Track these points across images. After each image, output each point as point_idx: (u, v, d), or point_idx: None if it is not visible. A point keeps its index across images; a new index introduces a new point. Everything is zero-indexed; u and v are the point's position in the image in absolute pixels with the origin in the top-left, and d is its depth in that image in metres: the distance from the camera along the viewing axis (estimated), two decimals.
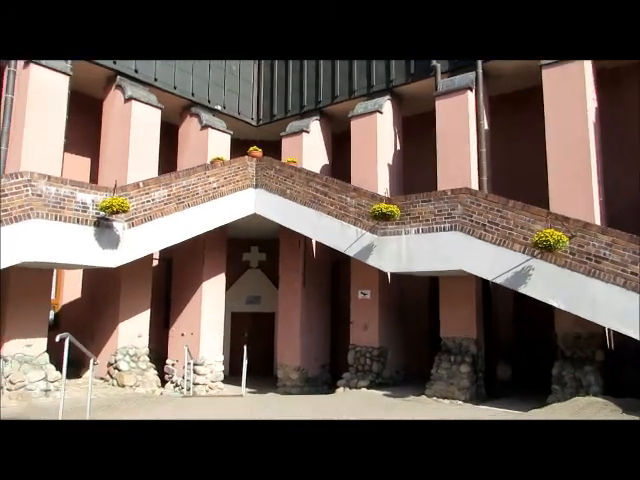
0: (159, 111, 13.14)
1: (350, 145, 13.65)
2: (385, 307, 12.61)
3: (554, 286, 8.43)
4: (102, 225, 9.60)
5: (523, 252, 8.74)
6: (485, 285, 11.28)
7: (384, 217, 9.85)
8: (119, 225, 9.85)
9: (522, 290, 8.72)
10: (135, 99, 12.49)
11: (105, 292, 12.15)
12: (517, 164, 12.54)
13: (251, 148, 13.07)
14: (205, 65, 14.81)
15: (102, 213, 9.49)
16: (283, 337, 14.08)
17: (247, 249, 17.24)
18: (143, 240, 10.28)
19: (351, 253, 10.88)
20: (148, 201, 10.46)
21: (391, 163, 13.33)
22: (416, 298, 14.02)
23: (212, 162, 12.34)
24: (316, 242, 14.41)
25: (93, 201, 9.47)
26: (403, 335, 13.29)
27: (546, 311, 9.58)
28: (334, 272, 15.51)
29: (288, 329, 13.94)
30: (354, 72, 14.07)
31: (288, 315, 13.96)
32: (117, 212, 9.39)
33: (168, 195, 10.83)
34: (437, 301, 14.05)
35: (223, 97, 15.31)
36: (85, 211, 9.37)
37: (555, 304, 8.40)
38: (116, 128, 12.53)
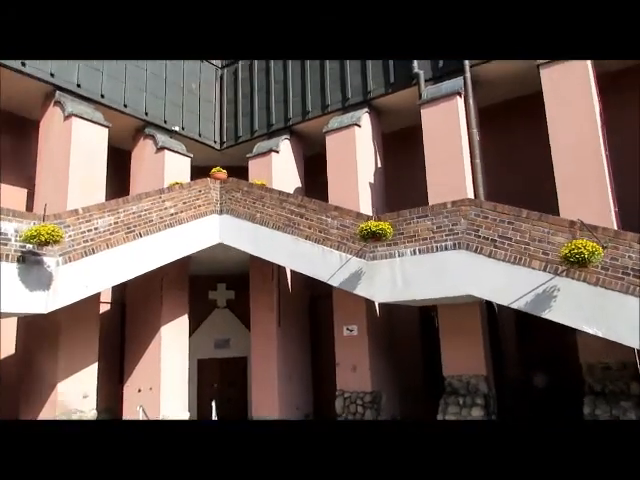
0: (106, 130, 11.46)
1: (324, 167, 12.22)
2: (375, 344, 10.95)
3: (586, 309, 6.96)
4: (29, 261, 7.74)
5: (544, 270, 7.30)
6: (489, 310, 9.80)
7: (374, 237, 8.31)
8: (51, 260, 8.00)
9: (547, 315, 7.22)
10: (76, 116, 10.81)
11: (41, 345, 10.09)
12: (510, 178, 11.31)
13: (214, 169, 11.47)
14: (160, 82, 13.29)
15: (28, 245, 7.65)
16: (258, 385, 12.16)
17: (213, 287, 15.38)
18: (83, 278, 8.42)
19: (335, 283, 9.26)
20: (90, 230, 8.66)
21: (373, 182, 11.93)
22: (405, 331, 12.42)
23: (169, 187, 10.66)
24: (292, 275, 12.76)
25: (16, 231, 7.63)
26: (397, 375, 11.59)
27: (558, 333, 8.19)
28: (312, 309, 13.82)
29: (263, 376, 12.06)
30: (327, 85, 12.79)
31: (263, 360, 12.11)
32: (47, 243, 7.57)
33: (115, 223, 9.06)
34: (429, 333, 12.55)
35: (181, 118, 13.77)
36: (6, 244, 7.51)
37: (590, 331, 6.92)
38: (54, 150, 10.77)
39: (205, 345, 14.98)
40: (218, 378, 15.03)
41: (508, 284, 7.58)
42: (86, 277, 8.44)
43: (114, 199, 9.43)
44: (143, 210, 9.56)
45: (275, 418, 11.61)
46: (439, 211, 8.37)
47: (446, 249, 8.18)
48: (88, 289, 8.50)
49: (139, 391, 11.46)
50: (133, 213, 9.38)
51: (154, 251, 9.59)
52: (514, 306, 7.53)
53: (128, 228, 9.22)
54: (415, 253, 8.48)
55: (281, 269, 12.46)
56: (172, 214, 10.07)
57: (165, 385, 11.38)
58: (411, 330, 12.65)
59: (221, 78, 15.05)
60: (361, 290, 8.94)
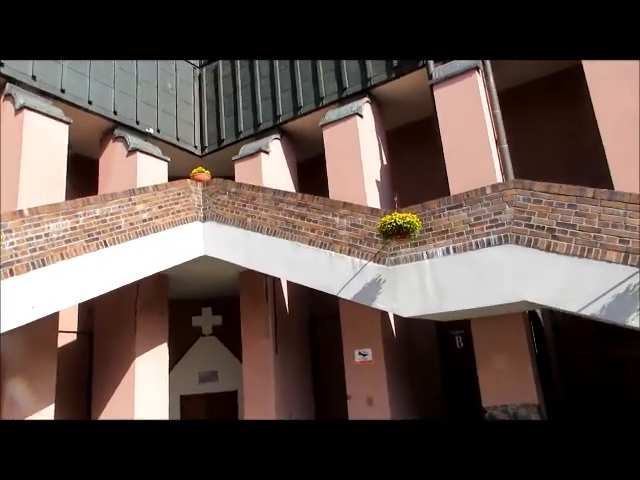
0: (66, 127, 9.74)
1: (320, 171, 10.62)
2: (394, 370, 9.16)
3: None
4: None
5: (624, 262, 5.67)
6: (534, 321, 8.13)
7: (399, 233, 6.62)
8: None
9: (634, 323, 5.57)
10: (29, 109, 9.08)
11: None
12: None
13: (195, 170, 9.78)
14: (130, 78, 11.66)
15: None
16: None
17: (197, 311, 13.51)
18: (30, 297, 6.56)
19: (348, 295, 7.52)
20: (39, 236, 6.84)
21: (379, 180, 10.33)
22: (421, 354, 10.67)
23: (142, 188, 8.90)
24: (289, 293, 10.99)
25: None
26: (418, 408, 9.78)
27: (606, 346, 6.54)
28: (313, 332, 12.03)
29: (258, 413, 10.13)
30: (320, 74, 11.27)
31: (257, 394, 10.20)
32: None
33: (72, 228, 7.26)
34: (450, 356, 10.83)
35: (156, 119, 12.10)
36: None
37: None
38: (2, 148, 8.98)
39: (188, 379, 13.04)
40: (204, 417, 13.03)
41: (575, 284, 5.92)
42: (33, 296, 6.58)
43: (72, 200, 7.63)
44: (109, 214, 7.77)
45: None
46: (476, 198, 6.75)
47: (489, 245, 6.53)
48: (36, 311, 6.62)
49: None
50: (96, 217, 7.59)
51: (123, 264, 7.77)
52: (585, 313, 5.86)
53: (89, 235, 7.42)
54: (449, 253, 6.81)
55: (277, 287, 10.69)
56: (145, 220, 8.29)
57: None
58: (428, 353, 10.89)
59: (199, 78, 13.49)
60: (382, 303, 7.21)
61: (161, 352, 10.25)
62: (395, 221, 6.50)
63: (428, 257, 6.95)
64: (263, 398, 10.05)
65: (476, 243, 6.63)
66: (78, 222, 7.35)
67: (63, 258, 7.00)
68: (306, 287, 11.77)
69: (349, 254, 7.58)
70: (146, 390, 9.68)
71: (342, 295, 7.57)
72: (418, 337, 10.66)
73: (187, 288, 12.10)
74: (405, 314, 7.05)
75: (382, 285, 7.21)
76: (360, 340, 9.16)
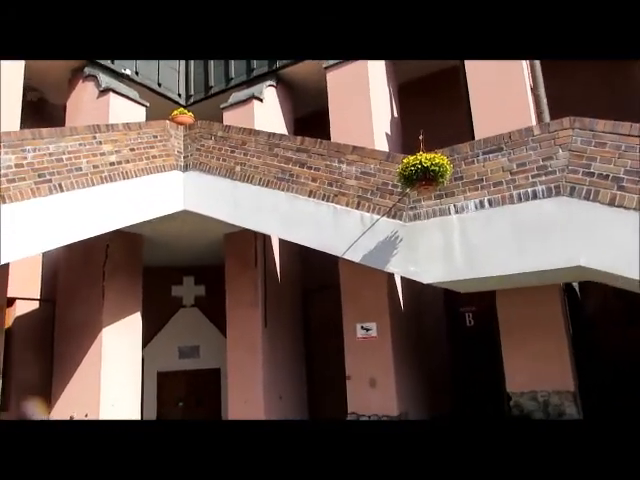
0: (21, 64, 8.26)
1: (321, 129, 9.23)
2: (401, 348, 7.95)
3: None
4: None
5: None
6: (570, 296, 6.95)
7: (425, 178, 5.30)
8: None
9: None
10: None
11: None
12: None
13: (176, 111, 8.37)
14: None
15: None
16: (236, 406, 8.98)
17: (178, 281, 12.18)
18: None
19: (354, 257, 6.24)
20: None
21: (389, 134, 9.00)
22: (428, 332, 9.49)
23: (110, 125, 7.47)
24: (281, 260, 9.70)
25: None
26: (425, 392, 8.63)
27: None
28: (306, 306, 10.78)
29: (244, 393, 8.90)
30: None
31: (243, 372, 8.97)
32: None
33: (18, 166, 5.86)
34: (456, 332, 9.70)
35: (135, 61, 10.60)
36: None
37: None
38: None
39: (167, 354, 11.77)
40: (184, 396, 11.82)
41: None
42: None
43: (18, 130, 6.22)
44: (66, 152, 6.38)
45: None
46: (521, 140, 5.46)
47: (535, 197, 5.26)
48: None
49: (71, 418, 8.18)
50: (49, 155, 6.19)
51: (84, 214, 6.41)
52: None
53: (40, 176, 6.02)
54: (483, 206, 5.53)
55: (268, 252, 9.39)
56: (113, 163, 6.90)
57: (107, 409, 8.12)
58: (434, 332, 9.72)
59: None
60: (396, 266, 5.94)
61: (133, 323, 8.94)
62: (421, 162, 5.19)
63: (456, 211, 5.68)
64: (249, 376, 8.82)
65: (518, 195, 5.36)
66: (26, 159, 5.95)
67: (5, 201, 5.62)
68: (300, 255, 10.70)
69: (358, 208, 6.29)
70: (115, 365, 8.39)
71: (348, 256, 6.29)
72: (426, 313, 9.47)
73: (166, 253, 10.77)
74: (425, 280, 5.79)
75: (398, 245, 5.94)
76: (363, 313, 7.92)
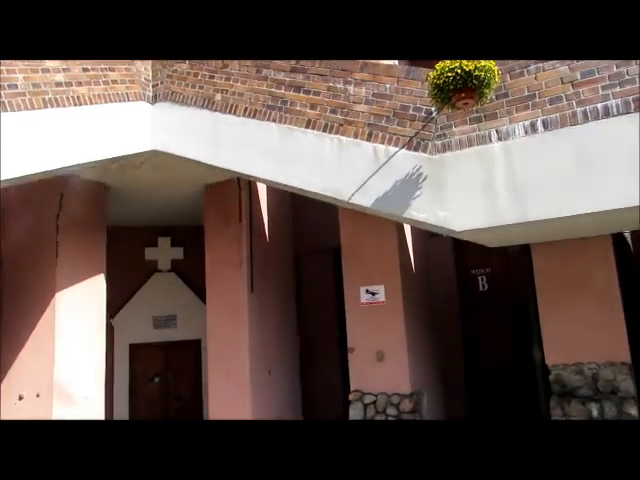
0: None
1: None
2: (413, 315, 6.78)
3: None
4: None
5: None
6: (620, 249, 5.79)
7: (464, 89, 3.98)
8: None
9: None
10: None
11: None
12: None
13: None
14: None
15: None
16: (218, 381, 7.78)
17: (152, 242, 10.84)
18: None
19: (365, 200, 4.97)
20: None
21: None
22: (438, 292, 8.36)
23: None
24: (270, 214, 8.41)
25: None
26: (440, 366, 7.52)
27: None
28: (297, 271, 9.58)
29: (227, 366, 7.69)
30: None
31: (226, 342, 7.73)
32: None
33: None
34: (469, 295, 8.60)
35: None
36: None
37: None
38: None
39: (140, 324, 10.51)
40: (160, 370, 10.63)
41: None
42: None
43: None
44: None
45: None
46: None
47: (606, 115, 4.02)
48: None
49: (20, 399, 6.89)
50: None
51: (17, 145, 5.01)
52: None
53: None
54: (535, 130, 4.28)
55: (254, 205, 8.07)
56: (60, 84, 5.48)
57: (62, 387, 6.85)
58: (446, 297, 8.58)
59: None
60: (420, 210, 4.69)
61: (95, 287, 7.60)
62: (461, 66, 3.88)
63: (500, 138, 4.42)
64: (233, 347, 7.60)
65: (584, 112, 4.11)
66: None
67: None
68: (293, 210, 9.43)
69: (369, 139, 5.00)
70: (72, 336, 7.09)
71: (356, 200, 5.02)
72: (432, 277, 8.32)
73: (137, 209, 9.41)
74: (457, 227, 4.55)
75: (421, 184, 4.68)
76: (368, 275, 6.70)
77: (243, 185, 7.80)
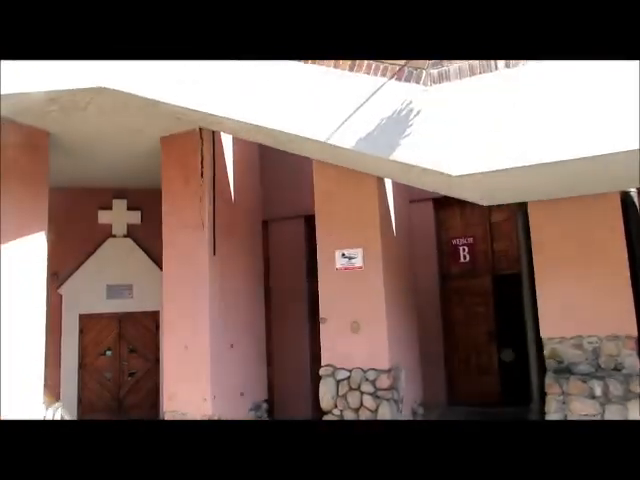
0: None
1: None
2: (393, 282, 6.09)
3: None
4: None
5: None
6: (627, 209, 5.20)
7: None
8: None
9: None
10: None
11: None
12: None
13: None
14: None
15: None
16: (174, 354, 6.97)
17: (106, 204, 9.87)
18: None
19: (346, 142, 4.21)
20: None
21: None
22: (418, 261, 7.73)
23: None
24: (236, 171, 7.58)
25: None
26: (419, 337, 6.91)
27: None
28: (265, 239, 8.81)
29: (184, 338, 6.88)
30: None
31: (183, 311, 6.91)
32: None
33: None
34: (450, 266, 8.02)
35: None
36: None
37: None
38: None
39: (92, 293, 9.60)
40: (113, 343, 9.77)
41: None
42: None
43: None
44: None
45: (205, 415, 6.55)
46: None
47: None
48: None
49: None
50: None
51: None
52: None
53: None
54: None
55: (218, 159, 7.21)
56: None
57: None
58: (426, 266, 7.97)
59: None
60: (411, 151, 3.96)
61: (34, 246, 6.66)
62: None
63: (507, 65, 3.71)
64: (191, 317, 6.80)
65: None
66: None
67: None
68: (261, 172, 8.61)
69: (352, 69, 4.22)
70: (5, 303, 6.17)
71: (335, 142, 4.26)
72: (413, 243, 7.68)
73: (88, 167, 8.43)
74: (455, 171, 3.84)
75: (412, 120, 3.95)
76: (345, 237, 5.96)
77: (206, 137, 6.94)
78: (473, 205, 8.16)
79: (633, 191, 5.10)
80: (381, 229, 5.78)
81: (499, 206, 7.95)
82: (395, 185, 6.52)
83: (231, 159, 7.46)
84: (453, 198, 8.03)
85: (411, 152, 3.94)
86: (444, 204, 8.13)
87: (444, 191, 4.81)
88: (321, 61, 4.38)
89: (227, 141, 7.45)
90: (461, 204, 8.24)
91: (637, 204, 5.10)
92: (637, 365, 4.61)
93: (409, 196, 7.47)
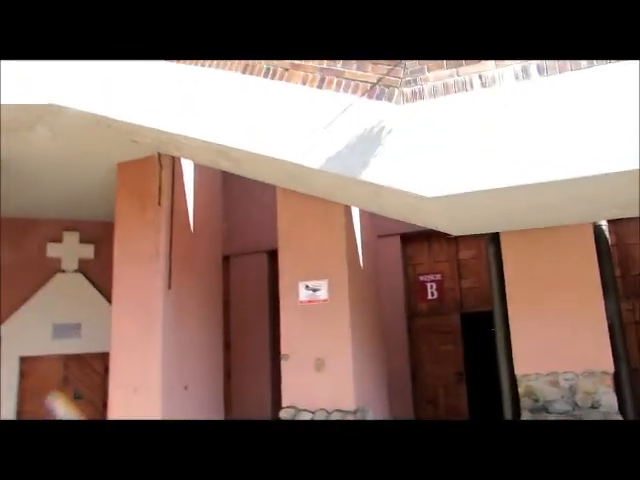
0: None
1: None
2: (360, 317, 5.77)
3: None
4: None
5: None
6: (598, 239, 5.09)
7: None
8: None
9: None
10: None
11: None
12: None
13: None
14: None
15: None
16: (122, 397, 6.34)
17: (56, 237, 9.30)
18: None
19: (313, 162, 3.96)
20: None
21: None
22: (384, 297, 7.45)
23: None
24: (197, 200, 7.24)
25: None
26: (386, 377, 6.55)
27: None
28: (226, 275, 8.41)
29: (133, 379, 6.30)
30: None
31: (134, 350, 6.36)
32: None
33: None
34: (418, 303, 7.79)
35: None
36: None
37: None
38: None
39: (36, 333, 8.86)
40: (57, 388, 8.97)
41: None
42: None
43: None
44: None
45: None
46: None
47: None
48: None
49: None
50: None
51: None
52: None
53: None
54: (528, 76, 3.48)
55: (178, 186, 6.87)
56: None
57: None
58: (393, 303, 7.71)
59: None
60: (381, 172, 3.75)
61: None
62: None
63: (483, 85, 3.59)
64: (142, 356, 6.26)
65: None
66: None
67: None
68: (224, 205, 8.28)
69: (321, 87, 4.04)
70: None
71: (302, 161, 4.01)
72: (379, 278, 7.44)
73: (37, 195, 7.96)
74: (429, 192, 3.61)
75: (384, 139, 3.75)
76: (309, 268, 5.65)
77: (165, 163, 6.61)
78: (441, 241, 8.09)
79: (604, 224, 5.02)
80: (348, 259, 5.51)
81: (467, 243, 7.92)
82: (363, 217, 6.31)
83: (192, 188, 7.13)
84: (421, 234, 7.96)
85: (382, 172, 3.73)
86: (412, 240, 7.97)
87: (413, 218, 4.60)
88: (289, 78, 4.18)
89: (188, 170, 7.14)
90: (429, 240, 8.14)
91: (607, 236, 5.02)
92: (614, 403, 4.39)
93: (377, 231, 7.28)
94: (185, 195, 6.97)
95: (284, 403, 5.48)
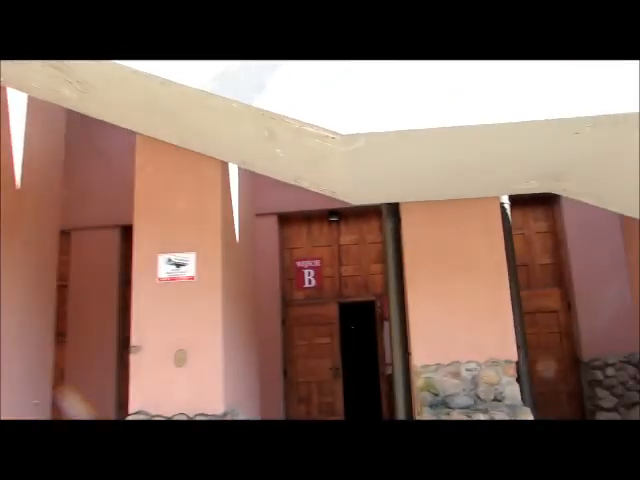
0: None
1: None
2: (234, 302, 4.78)
3: None
4: None
5: None
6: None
7: None
8: None
9: None
10: None
11: None
12: None
13: None
14: None
15: None
16: None
17: None
18: None
19: (192, 79, 2.96)
20: None
21: None
22: (260, 285, 6.56)
23: None
24: (27, 149, 5.68)
25: None
26: (258, 375, 5.64)
27: None
28: (63, 252, 6.87)
29: None
30: None
31: None
32: None
33: None
34: (293, 292, 7.08)
35: None
36: None
37: None
38: None
39: None
40: None
41: None
42: None
43: None
44: None
45: None
46: None
47: None
48: None
49: None
50: None
51: None
52: None
53: None
54: None
55: (2, 119, 5.28)
56: None
57: None
58: (268, 292, 6.83)
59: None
60: (283, 102, 2.85)
61: None
62: None
63: None
64: None
65: None
66: None
67: None
68: (66, 165, 6.71)
69: None
70: None
71: (172, 77, 2.96)
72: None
73: None
74: (346, 129, 2.81)
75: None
76: (173, 238, 4.53)
77: None
78: (322, 223, 7.42)
79: (507, 203, 4.66)
80: (222, 230, 4.51)
81: (349, 227, 7.35)
82: (242, 185, 5.34)
83: (22, 132, 5.55)
84: (301, 214, 7.20)
85: (285, 100, 2.83)
86: (290, 221, 7.19)
87: (309, 175, 3.78)
88: None
89: (18, 105, 5.56)
90: (309, 222, 7.42)
91: (509, 215, 4.66)
92: (517, 395, 3.97)
93: (254, 208, 6.36)
94: (10, 138, 5.39)
95: (132, 407, 4.29)
